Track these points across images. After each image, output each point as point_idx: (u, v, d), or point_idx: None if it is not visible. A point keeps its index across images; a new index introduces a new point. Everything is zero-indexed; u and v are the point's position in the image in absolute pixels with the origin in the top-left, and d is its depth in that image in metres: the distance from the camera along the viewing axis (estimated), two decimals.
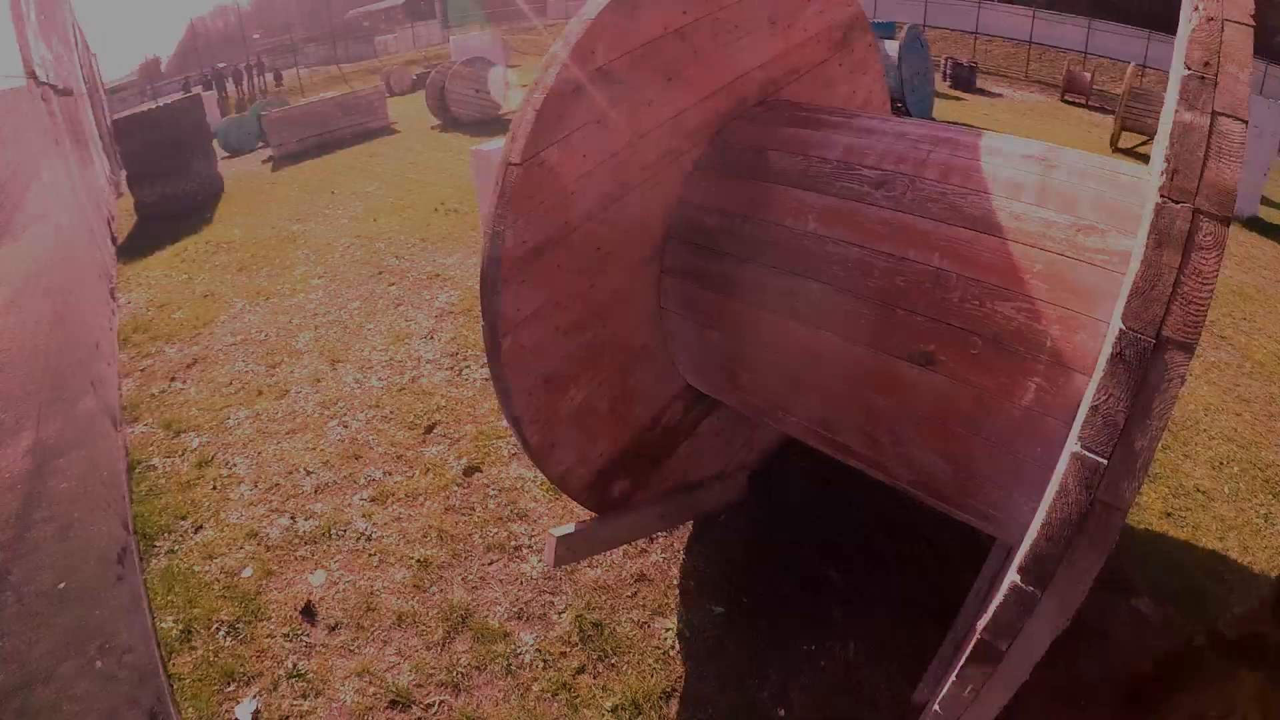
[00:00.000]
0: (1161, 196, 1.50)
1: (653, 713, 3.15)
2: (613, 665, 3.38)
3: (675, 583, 3.62)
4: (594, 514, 3.22)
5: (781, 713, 2.99)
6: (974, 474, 2.12)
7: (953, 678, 1.47)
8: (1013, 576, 1.38)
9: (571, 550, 2.99)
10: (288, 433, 4.96)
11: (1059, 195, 2.14)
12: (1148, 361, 1.40)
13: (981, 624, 1.43)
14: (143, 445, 5.05)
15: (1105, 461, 1.37)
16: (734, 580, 3.57)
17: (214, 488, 4.55)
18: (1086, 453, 1.39)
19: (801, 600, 3.38)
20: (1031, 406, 1.94)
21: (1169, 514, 4.27)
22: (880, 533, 3.59)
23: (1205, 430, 5.07)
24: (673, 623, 3.44)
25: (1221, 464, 4.75)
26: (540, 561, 3.91)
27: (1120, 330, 1.44)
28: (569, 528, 2.94)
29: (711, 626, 3.40)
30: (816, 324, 2.38)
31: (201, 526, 4.34)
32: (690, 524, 3.86)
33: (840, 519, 3.66)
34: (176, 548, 4.26)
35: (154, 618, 3.93)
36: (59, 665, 4.03)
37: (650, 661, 3.34)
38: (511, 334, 2.36)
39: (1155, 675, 2.85)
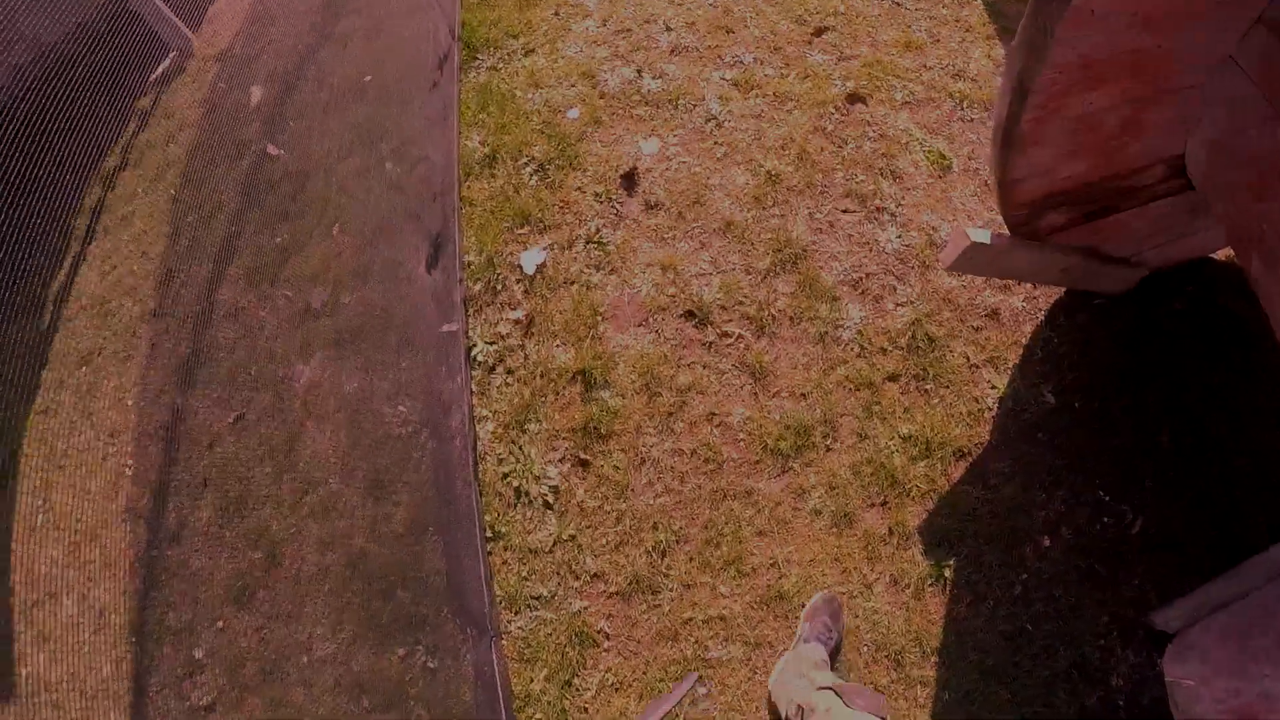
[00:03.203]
0: None
1: (937, 460, 2.63)
2: (925, 390, 2.75)
3: (1022, 340, 2.88)
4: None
5: (1046, 542, 2.51)
6: None
7: None
8: None
9: (972, 260, 2.44)
10: None
11: None
12: None
13: None
14: None
15: None
16: (1075, 376, 2.80)
17: (556, 13, 3.74)
18: None
19: (1122, 442, 2.65)
20: None
21: None
22: (1232, 430, 2.65)
23: None
24: (1000, 381, 2.78)
25: None
26: (899, 235, 3.08)
27: None
28: (984, 234, 2.32)
29: (1033, 410, 2.73)
30: None
31: (534, 50, 3.57)
32: (1059, 291, 3.01)
33: (1204, 387, 2.72)
34: (501, 66, 3.56)
35: (460, 134, 3.29)
36: (347, 158, 3.63)
37: (961, 408, 2.72)
38: None
39: None
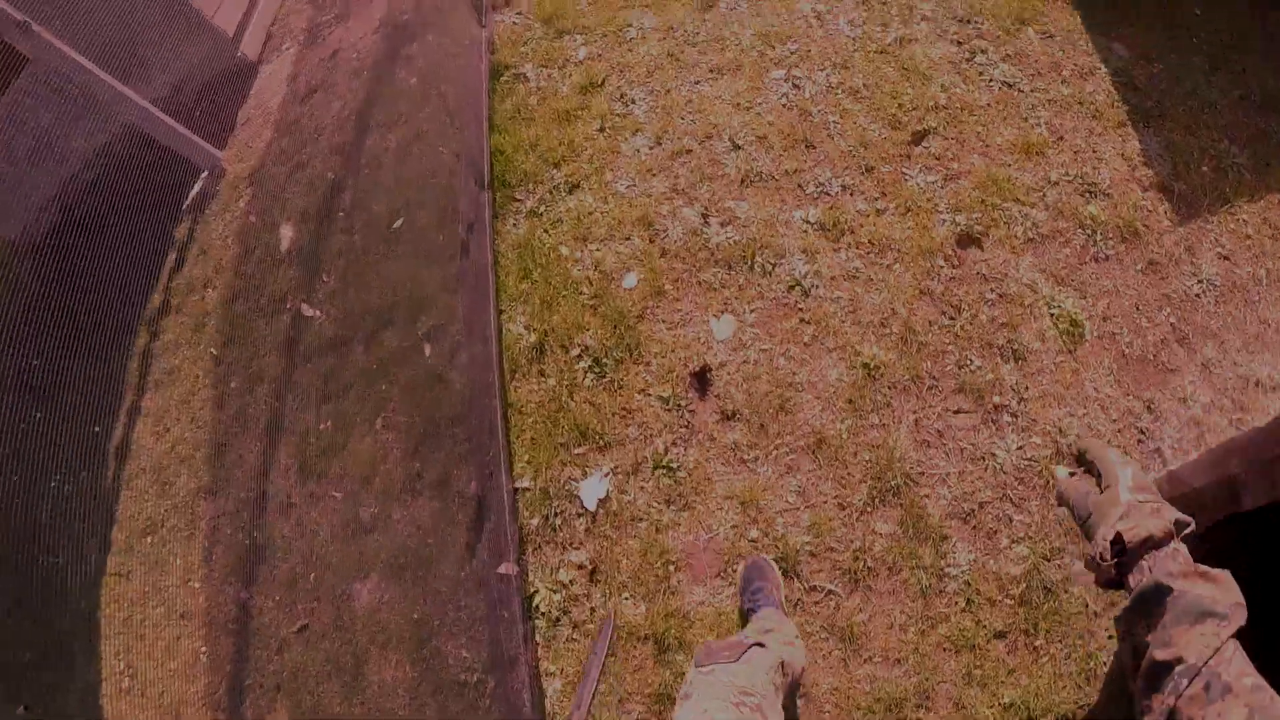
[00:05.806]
0: None
1: None
2: (1035, 647, 2.37)
3: None
4: None
5: None
6: None
7: None
8: None
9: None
10: (710, 71, 3.36)
11: None
12: None
13: None
14: (513, 42, 3.69)
15: None
16: None
17: (602, 128, 3.24)
18: None
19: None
20: None
21: None
22: None
23: None
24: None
25: None
26: (1019, 445, 2.60)
27: None
28: None
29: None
30: None
31: (578, 186, 3.13)
32: None
33: None
34: (543, 210, 3.14)
35: (501, 312, 2.94)
36: (383, 329, 3.29)
37: (1072, 666, 2.33)
38: None
39: None
